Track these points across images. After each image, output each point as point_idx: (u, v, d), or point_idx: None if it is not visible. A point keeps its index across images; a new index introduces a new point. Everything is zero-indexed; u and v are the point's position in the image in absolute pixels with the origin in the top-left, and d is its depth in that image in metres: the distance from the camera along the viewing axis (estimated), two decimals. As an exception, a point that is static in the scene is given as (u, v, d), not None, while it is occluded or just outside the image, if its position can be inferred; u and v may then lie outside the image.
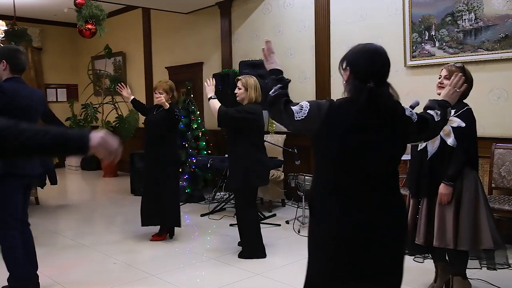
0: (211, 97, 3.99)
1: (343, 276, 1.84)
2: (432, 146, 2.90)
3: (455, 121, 2.88)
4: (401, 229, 1.91)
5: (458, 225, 2.87)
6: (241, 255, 4.12)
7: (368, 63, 1.83)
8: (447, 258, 3.14)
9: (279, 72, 2.00)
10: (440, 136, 2.86)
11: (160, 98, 4.38)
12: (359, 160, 1.80)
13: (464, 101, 2.95)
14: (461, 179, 2.89)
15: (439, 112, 2.12)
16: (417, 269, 3.57)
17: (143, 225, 4.63)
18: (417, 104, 2.62)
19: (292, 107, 1.85)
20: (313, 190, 1.93)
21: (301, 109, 1.83)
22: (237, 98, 4.13)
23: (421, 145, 2.94)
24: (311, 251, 1.94)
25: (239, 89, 4.07)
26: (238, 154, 4.05)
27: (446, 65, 3.06)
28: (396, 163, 1.90)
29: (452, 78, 2.34)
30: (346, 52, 1.91)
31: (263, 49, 2.05)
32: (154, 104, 4.67)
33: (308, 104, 1.85)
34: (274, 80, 1.97)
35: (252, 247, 4.12)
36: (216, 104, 3.96)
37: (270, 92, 1.93)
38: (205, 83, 4.09)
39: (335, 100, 1.87)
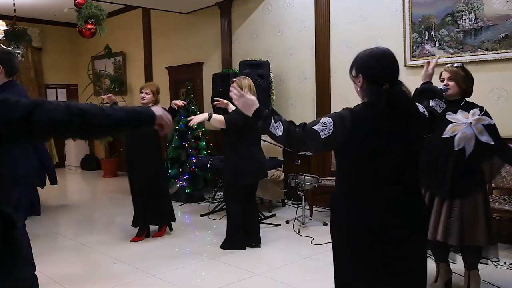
0: (209, 115, 4.05)
1: (361, 278, 1.89)
2: (469, 145, 2.86)
3: (485, 119, 2.91)
4: (416, 228, 1.91)
5: (489, 223, 2.89)
6: (223, 246, 4.34)
7: (379, 66, 1.87)
8: (449, 259, 3.15)
9: (260, 110, 1.97)
10: (475, 134, 2.86)
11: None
12: (373, 163, 1.85)
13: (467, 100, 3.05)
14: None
15: (441, 102, 2.19)
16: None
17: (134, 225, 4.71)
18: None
19: (313, 127, 1.84)
20: (334, 194, 1.98)
21: (325, 127, 1.83)
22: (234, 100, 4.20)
23: (458, 145, 2.87)
24: (334, 252, 2.00)
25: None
26: (234, 152, 4.20)
27: (446, 66, 3.08)
28: (411, 160, 1.92)
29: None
30: (352, 57, 1.95)
31: (232, 94, 2.08)
32: (141, 103, 4.66)
33: (330, 119, 1.85)
34: (264, 122, 1.92)
35: (232, 240, 4.32)
36: (219, 117, 4.06)
37: (277, 134, 1.89)
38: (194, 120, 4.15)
39: (353, 107, 1.90)
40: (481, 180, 2.95)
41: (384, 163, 1.84)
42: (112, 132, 1.59)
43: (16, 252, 1.45)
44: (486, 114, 2.95)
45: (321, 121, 1.85)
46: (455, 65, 3.05)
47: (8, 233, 1.42)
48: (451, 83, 2.98)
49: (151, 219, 4.70)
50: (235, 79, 4.24)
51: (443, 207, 2.95)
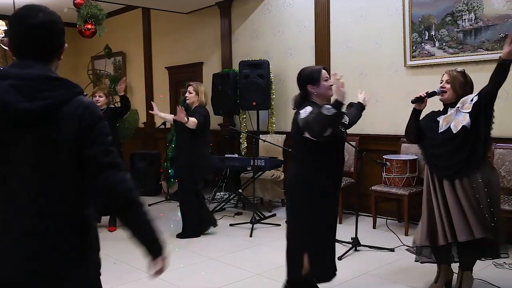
0: (187, 120, 4.48)
1: None
2: (466, 121, 2.90)
3: (469, 97, 2.96)
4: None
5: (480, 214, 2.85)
6: (179, 235, 4.78)
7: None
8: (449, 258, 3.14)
9: (338, 103, 2.61)
10: (467, 113, 2.89)
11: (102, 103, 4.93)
12: None
13: None
14: (479, 173, 2.88)
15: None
16: (417, 269, 3.57)
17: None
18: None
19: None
20: None
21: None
22: (187, 101, 4.77)
23: (456, 129, 2.91)
24: None
25: (190, 93, 4.71)
26: (189, 151, 4.63)
27: (448, 70, 3.10)
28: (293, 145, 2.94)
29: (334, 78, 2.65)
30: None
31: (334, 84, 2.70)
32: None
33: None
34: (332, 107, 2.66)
35: (190, 229, 4.77)
36: (193, 120, 4.51)
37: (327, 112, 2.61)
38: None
39: None
40: (476, 161, 2.89)
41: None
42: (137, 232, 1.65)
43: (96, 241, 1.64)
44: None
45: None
46: (457, 69, 3.05)
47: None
48: (447, 86, 3.00)
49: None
50: (191, 83, 4.77)
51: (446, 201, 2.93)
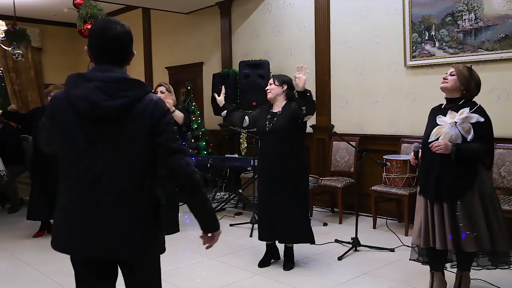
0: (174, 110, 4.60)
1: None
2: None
3: (473, 117, 2.81)
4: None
5: (490, 227, 2.83)
6: (168, 233, 4.88)
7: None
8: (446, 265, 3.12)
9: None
10: (461, 134, 2.80)
11: None
12: None
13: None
14: (482, 182, 2.84)
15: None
16: (417, 269, 3.57)
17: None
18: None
19: None
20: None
21: None
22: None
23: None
24: None
25: (162, 93, 4.71)
26: None
27: (455, 64, 3.06)
28: None
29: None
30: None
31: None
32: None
33: None
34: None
35: (174, 225, 4.84)
36: (179, 113, 4.66)
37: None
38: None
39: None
40: (466, 182, 2.83)
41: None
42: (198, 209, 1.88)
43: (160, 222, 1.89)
44: (478, 111, 2.83)
45: None
46: (465, 65, 2.99)
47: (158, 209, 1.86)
48: (451, 77, 2.90)
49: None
50: (163, 83, 4.85)
51: (434, 212, 2.89)
